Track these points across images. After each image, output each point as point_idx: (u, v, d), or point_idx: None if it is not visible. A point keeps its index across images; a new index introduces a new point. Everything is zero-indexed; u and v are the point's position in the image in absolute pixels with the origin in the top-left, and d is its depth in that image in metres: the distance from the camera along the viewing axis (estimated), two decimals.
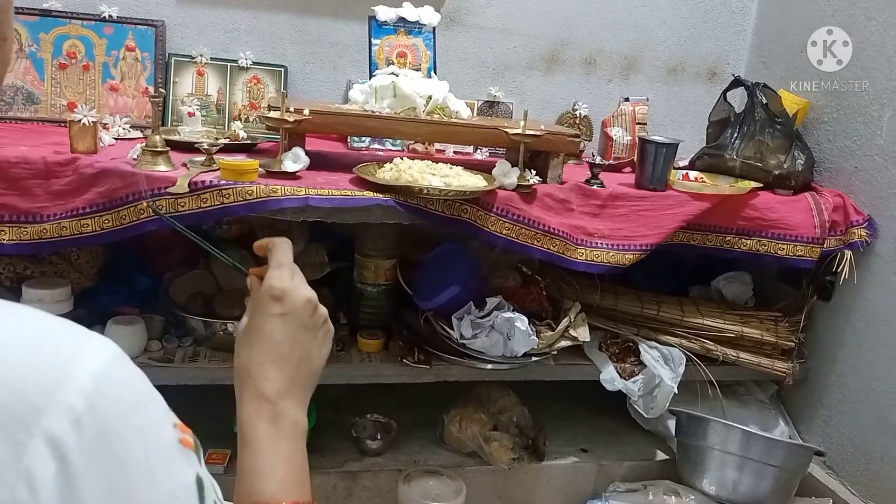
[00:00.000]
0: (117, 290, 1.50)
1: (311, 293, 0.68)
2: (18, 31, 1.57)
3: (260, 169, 1.26)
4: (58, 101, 1.61)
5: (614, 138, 1.89)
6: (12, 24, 0.45)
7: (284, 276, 0.67)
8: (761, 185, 1.61)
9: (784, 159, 1.64)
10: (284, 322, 0.66)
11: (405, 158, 1.41)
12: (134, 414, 0.40)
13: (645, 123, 1.90)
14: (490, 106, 1.86)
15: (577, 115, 1.88)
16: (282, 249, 0.70)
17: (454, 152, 1.80)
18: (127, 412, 0.39)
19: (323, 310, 0.70)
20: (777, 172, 1.63)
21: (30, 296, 1.32)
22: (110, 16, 1.62)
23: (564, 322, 1.50)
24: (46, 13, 1.59)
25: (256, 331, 0.66)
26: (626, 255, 1.47)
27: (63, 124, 1.40)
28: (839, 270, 1.61)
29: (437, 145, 1.77)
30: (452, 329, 1.46)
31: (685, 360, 1.56)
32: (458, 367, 1.49)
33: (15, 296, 1.35)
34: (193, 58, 1.69)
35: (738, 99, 1.80)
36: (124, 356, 0.41)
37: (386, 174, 1.35)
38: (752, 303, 1.79)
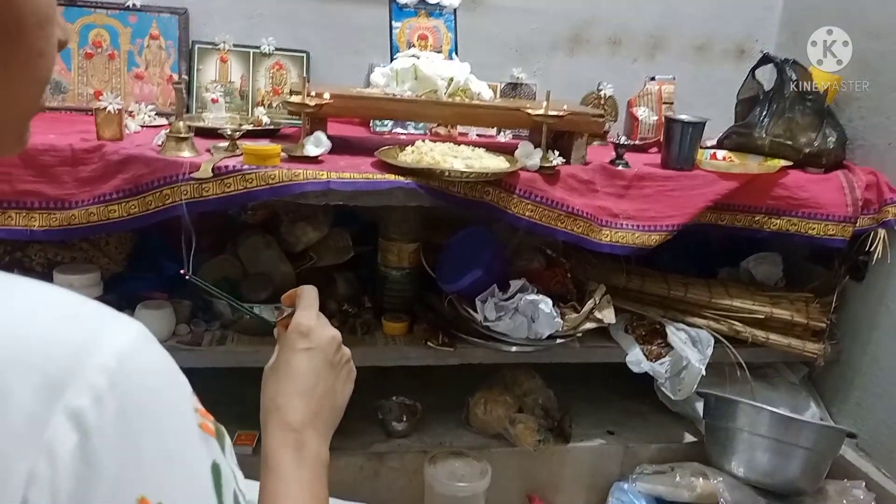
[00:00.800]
0: (146, 275, 1.52)
1: (335, 332, 0.73)
2: None
3: (282, 153, 1.26)
4: (84, 90, 1.63)
5: (640, 118, 1.86)
6: (52, 40, 0.44)
7: (311, 315, 0.72)
8: (791, 163, 1.57)
9: (815, 137, 1.60)
10: (310, 356, 0.70)
11: (427, 141, 1.41)
12: (155, 395, 0.40)
13: (671, 103, 1.87)
14: (513, 88, 1.84)
15: (602, 95, 1.86)
16: (309, 295, 0.75)
17: (477, 135, 1.78)
18: (148, 393, 0.40)
19: (346, 350, 0.75)
20: (807, 150, 1.60)
21: (60, 281, 1.35)
22: (134, 4, 1.64)
23: (589, 304, 1.49)
24: (72, 3, 1.61)
25: (284, 364, 0.70)
26: (652, 236, 1.45)
27: (90, 112, 1.42)
28: (872, 250, 1.57)
29: (460, 128, 1.76)
30: (476, 312, 1.46)
31: (713, 341, 1.55)
32: (483, 349, 1.49)
33: (46, 281, 1.38)
34: (217, 45, 1.70)
35: (767, 76, 1.76)
36: (151, 337, 0.42)
37: (407, 157, 1.34)
38: (783, 283, 1.76)
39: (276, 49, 1.73)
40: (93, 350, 0.38)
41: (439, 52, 1.56)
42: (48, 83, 0.46)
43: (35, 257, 1.41)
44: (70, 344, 0.38)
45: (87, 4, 1.63)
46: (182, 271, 0.87)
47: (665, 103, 1.87)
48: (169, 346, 1.38)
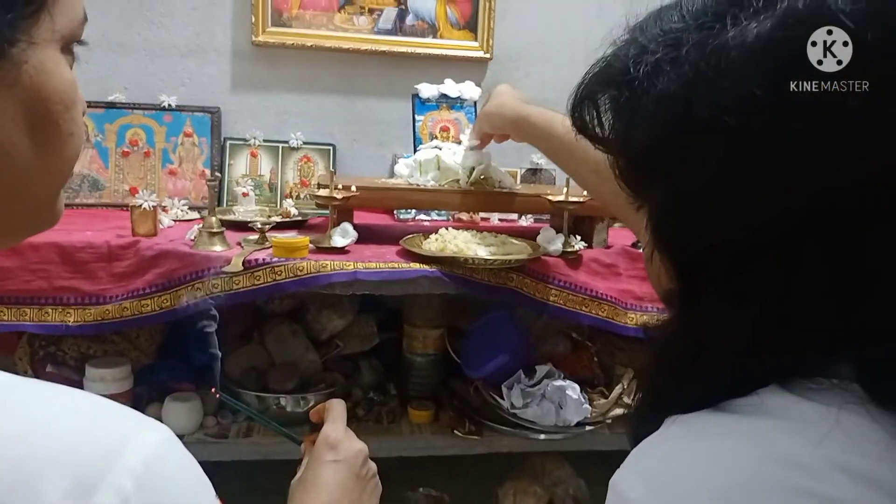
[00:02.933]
0: (175, 366, 1.54)
1: (363, 446, 0.77)
2: (86, 123, 1.68)
3: (310, 245, 1.30)
4: (120, 187, 1.70)
5: None
6: (80, 121, 0.48)
7: (339, 428, 0.76)
8: None
9: None
10: (337, 468, 0.73)
11: (450, 228, 1.44)
12: (179, 500, 0.41)
13: None
14: (533, 173, 1.89)
15: None
16: (337, 408, 0.79)
17: (499, 219, 1.82)
18: (173, 497, 0.41)
19: (373, 465, 0.77)
20: None
21: (92, 375, 1.37)
22: (170, 104, 1.73)
23: (618, 389, 1.47)
24: (111, 105, 1.70)
25: (312, 476, 0.72)
26: None
27: (125, 208, 1.48)
28: None
29: (482, 213, 1.80)
30: (503, 398, 1.45)
31: None
32: (510, 437, 1.47)
33: (79, 374, 1.40)
34: (247, 140, 1.78)
35: None
36: (176, 441, 0.43)
37: (431, 245, 1.37)
38: None
39: (304, 143, 1.80)
40: (122, 453, 0.39)
41: (460, 142, 1.61)
42: (78, 157, 0.50)
43: (68, 351, 1.44)
44: (100, 447, 0.39)
45: (125, 106, 1.72)
46: (213, 389, 0.91)
47: None
48: (196, 438, 1.39)
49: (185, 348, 1.55)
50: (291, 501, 0.73)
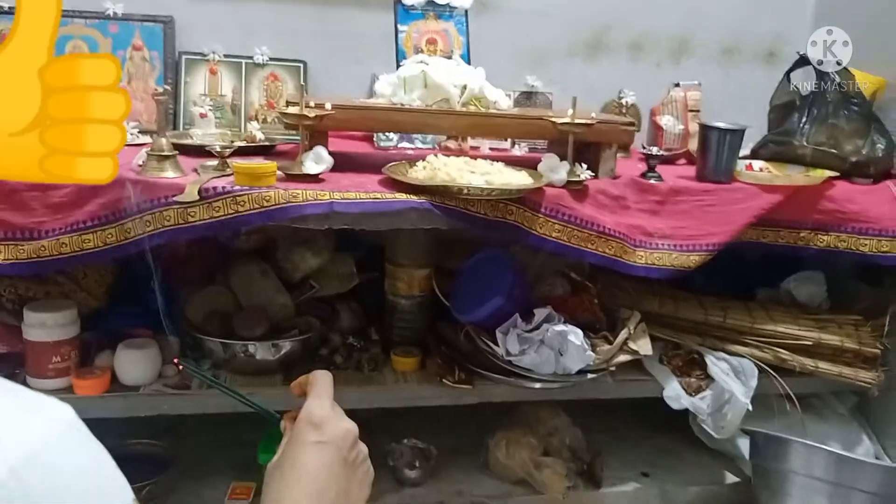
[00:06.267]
0: (129, 310, 1.37)
1: (352, 425, 0.64)
2: None
3: (278, 172, 1.12)
4: None
5: (664, 127, 1.73)
6: None
7: (325, 405, 0.64)
8: (837, 173, 1.43)
9: (862, 144, 1.46)
10: (321, 451, 0.61)
11: (440, 155, 1.27)
12: (72, 490, 0.37)
13: (698, 111, 1.74)
14: (527, 97, 1.71)
15: (624, 103, 1.72)
16: (322, 381, 0.67)
17: (490, 148, 1.64)
18: (63, 488, 0.37)
19: (364, 447, 0.65)
20: (854, 159, 1.46)
21: (31, 320, 1.20)
22: (115, 13, 1.51)
23: (623, 334, 1.34)
24: None
25: (291, 462, 0.60)
26: (691, 257, 1.31)
27: None
28: None
29: (471, 141, 1.62)
30: (497, 345, 1.31)
31: (757, 371, 1.40)
32: (504, 386, 1.34)
33: (17, 319, 1.23)
34: (205, 55, 1.57)
35: (800, 80, 1.63)
36: (73, 427, 0.39)
37: (419, 173, 1.20)
38: (827, 305, 1.61)
39: (271, 59, 1.60)
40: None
41: (449, 57, 1.42)
42: None
43: (5, 293, 1.26)
44: None
45: (64, 14, 1.49)
46: (175, 360, 0.77)
47: (691, 111, 1.74)
48: (154, 390, 1.24)
49: (141, 290, 1.38)
50: (266, 490, 0.60)
